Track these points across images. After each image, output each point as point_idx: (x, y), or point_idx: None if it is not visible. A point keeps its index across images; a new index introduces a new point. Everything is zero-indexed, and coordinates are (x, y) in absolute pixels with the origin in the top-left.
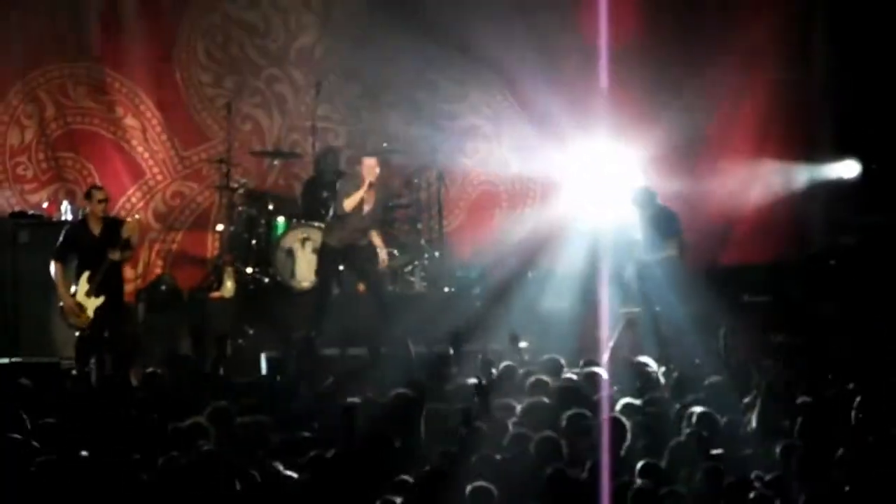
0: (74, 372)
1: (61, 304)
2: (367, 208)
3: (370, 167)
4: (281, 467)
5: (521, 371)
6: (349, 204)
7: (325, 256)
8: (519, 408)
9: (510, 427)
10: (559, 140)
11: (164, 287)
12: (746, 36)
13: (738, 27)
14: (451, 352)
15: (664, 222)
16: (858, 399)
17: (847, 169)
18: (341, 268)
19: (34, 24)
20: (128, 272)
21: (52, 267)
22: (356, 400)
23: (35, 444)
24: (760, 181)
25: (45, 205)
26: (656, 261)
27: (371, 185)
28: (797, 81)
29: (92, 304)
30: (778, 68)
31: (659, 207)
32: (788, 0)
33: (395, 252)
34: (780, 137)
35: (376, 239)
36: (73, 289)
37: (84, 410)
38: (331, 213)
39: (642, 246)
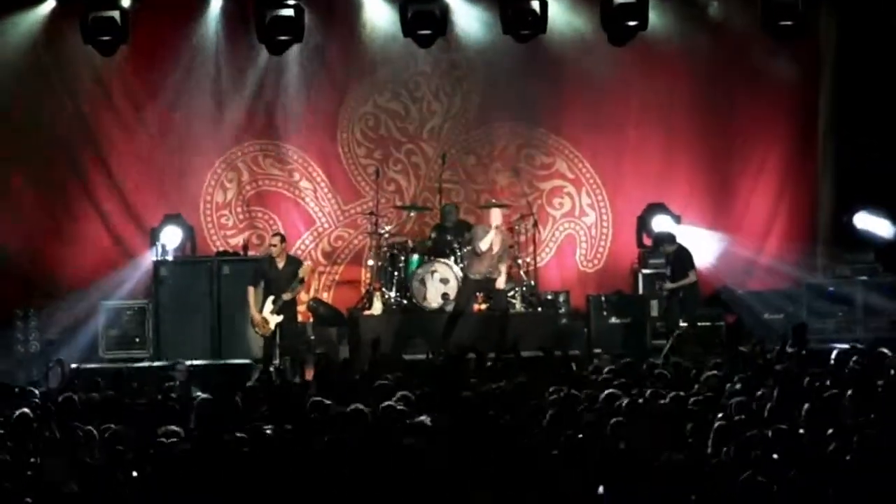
0: (272, 368)
1: (252, 318)
2: (495, 248)
3: (497, 214)
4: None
5: None
6: (485, 244)
7: (465, 285)
8: None
9: None
10: (625, 195)
11: (319, 309)
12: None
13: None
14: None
15: (683, 256)
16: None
17: None
18: (477, 294)
19: (235, 112)
20: (302, 296)
21: (248, 291)
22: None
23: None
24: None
25: (241, 246)
26: (680, 287)
27: (498, 228)
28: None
29: (274, 320)
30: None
31: (678, 246)
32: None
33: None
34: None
35: (502, 270)
36: (261, 307)
37: (270, 398)
38: (475, 250)
39: (668, 276)
